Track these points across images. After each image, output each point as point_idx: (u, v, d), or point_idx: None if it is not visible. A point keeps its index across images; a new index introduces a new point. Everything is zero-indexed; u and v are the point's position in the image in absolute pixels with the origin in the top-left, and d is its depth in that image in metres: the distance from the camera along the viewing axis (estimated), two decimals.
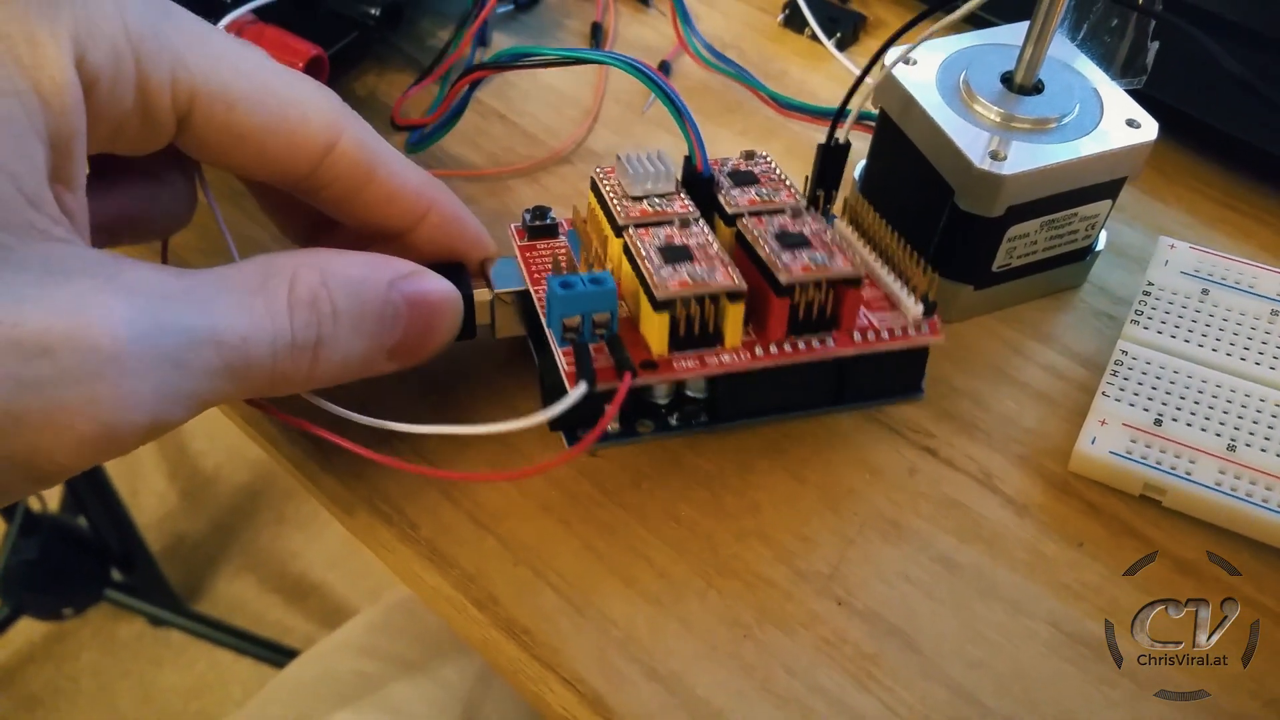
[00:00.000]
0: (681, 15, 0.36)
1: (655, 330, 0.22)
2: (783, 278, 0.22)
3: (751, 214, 0.24)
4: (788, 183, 0.25)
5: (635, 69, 0.24)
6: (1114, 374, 0.25)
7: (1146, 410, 0.25)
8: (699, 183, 0.25)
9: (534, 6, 0.37)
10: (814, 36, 0.35)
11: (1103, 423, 0.25)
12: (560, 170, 0.32)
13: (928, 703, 0.21)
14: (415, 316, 0.22)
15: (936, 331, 0.23)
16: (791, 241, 0.23)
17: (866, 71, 0.26)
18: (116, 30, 0.18)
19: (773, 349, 0.23)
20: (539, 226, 0.26)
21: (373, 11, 0.29)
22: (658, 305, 0.22)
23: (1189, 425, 0.24)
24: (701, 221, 0.23)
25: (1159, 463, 0.24)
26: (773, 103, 0.34)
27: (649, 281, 0.22)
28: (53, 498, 0.95)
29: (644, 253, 0.22)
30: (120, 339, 0.16)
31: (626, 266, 0.23)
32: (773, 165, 0.25)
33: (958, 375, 0.27)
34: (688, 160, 0.25)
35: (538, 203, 0.26)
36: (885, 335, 0.23)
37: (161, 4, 0.20)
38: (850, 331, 0.23)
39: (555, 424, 0.22)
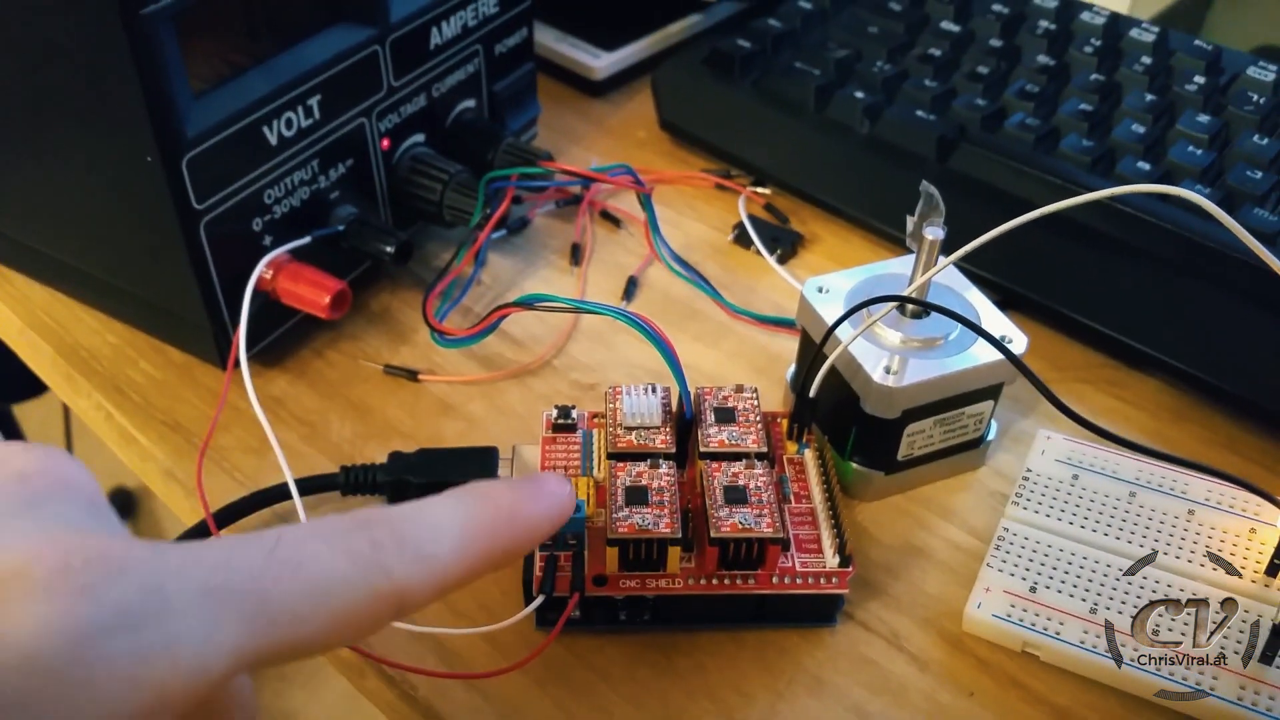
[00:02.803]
0: (654, 228, 0.42)
1: (609, 553, 0.28)
2: (713, 533, 0.28)
3: (715, 457, 0.30)
4: (759, 424, 0.30)
5: (642, 328, 0.29)
6: (997, 548, 0.31)
7: (1024, 579, 0.30)
8: (684, 419, 0.31)
9: (523, 230, 0.43)
10: (759, 252, 0.42)
11: (987, 590, 0.30)
12: (544, 374, 0.38)
13: None
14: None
15: (845, 585, 0.29)
16: (733, 497, 0.28)
17: (832, 329, 0.31)
18: None
19: (703, 581, 0.28)
20: (562, 424, 0.32)
21: (388, 250, 0.36)
22: (609, 541, 0.27)
23: (1059, 592, 0.29)
24: (670, 464, 0.29)
25: (1033, 624, 0.29)
26: (725, 309, 0.40)
27: (606, 521, 0.28)
28: None
29: (612, 490, 0.28)
30: None
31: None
32: (755, 403, 0.31)
33: (873, 548, 0.32)
34: (680, 400, 0.30)
35: (526, 404, 0.32)
36: (799, 581, 0.29)
37: None
38: (770, 575, 0.29)
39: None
